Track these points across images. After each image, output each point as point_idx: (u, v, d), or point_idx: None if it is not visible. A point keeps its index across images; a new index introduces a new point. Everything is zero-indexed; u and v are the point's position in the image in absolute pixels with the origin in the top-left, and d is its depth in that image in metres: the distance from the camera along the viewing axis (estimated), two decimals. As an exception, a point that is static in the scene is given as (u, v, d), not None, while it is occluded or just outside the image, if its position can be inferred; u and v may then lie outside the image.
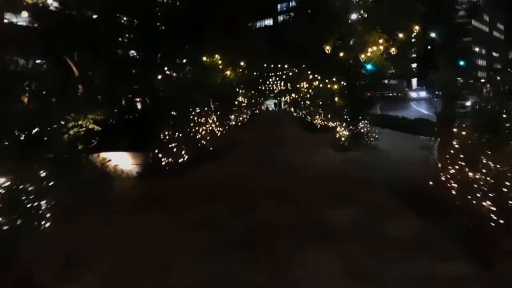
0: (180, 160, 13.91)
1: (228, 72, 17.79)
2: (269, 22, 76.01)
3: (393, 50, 12.57)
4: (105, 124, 13.11)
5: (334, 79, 17.87)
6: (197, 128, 16.47)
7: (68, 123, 12.12)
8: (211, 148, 16.59)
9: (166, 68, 13.24)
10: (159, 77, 13.23)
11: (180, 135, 14.73)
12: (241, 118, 30.76)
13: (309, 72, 23.09)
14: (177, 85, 13.79)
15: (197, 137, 16.28)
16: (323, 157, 15.45)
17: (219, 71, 15.85)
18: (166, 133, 13.95)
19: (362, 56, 12.47)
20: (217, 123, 22.12)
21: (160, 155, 13.35)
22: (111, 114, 13.72)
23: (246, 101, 33.50)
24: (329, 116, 24.96)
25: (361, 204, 9.05)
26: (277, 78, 28.35)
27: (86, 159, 12.53)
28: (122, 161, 12.82)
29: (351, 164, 13.81)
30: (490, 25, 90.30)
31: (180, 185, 11.63)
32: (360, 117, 17.50)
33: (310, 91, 26.10)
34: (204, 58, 14.64)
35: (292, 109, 41.47)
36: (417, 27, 12.33)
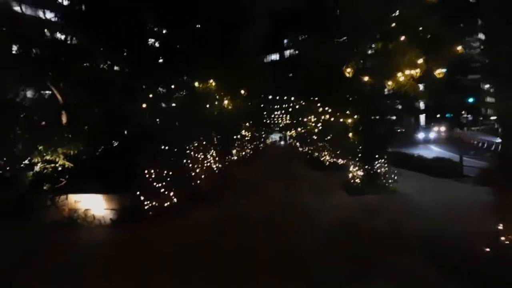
0: (166, 204, 11.60)
1: (226, 102, 15.69)
2: (275, 57, 75.18)
3: (438, 73, 10.10)
4: (79, 160, 10.98)
5: (347, 112, 15.70)
6: (191, 165, 14.24)
7: (34, 158, 10.04)
8: (206, 189, 14.27)
9: (151, 95, 11.12)
10: (144, 105, 11.13)
11: (170, 173, 12.51)
12: (243, 153, 28.55)
13: (318, 104, 20.98)
14: (164, 114, 11.60)
15: (191, 175, 14.03)
16: (336, 203, 13.06)
17: (214, 99, 13.76)
18: (152, 171, 11.73)
19: (390, 83, 10.24)
20: (217, 159, 19.96)
21: (142, 198, 11.07)
22: (88, 148, 11.63)
23: (249, 135, 31.39)
24: (338, 152, 22.71)
25: (395, 278, 6.66)
26: (283, 111, 26.30)
27: (52, 202, 10.37)
28: (96, 205, 10.56)
29: (371, 214, 11.39)
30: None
31: (159, 239, 9.26)
32: (377, 155, 15.22)
33: (319, 125, 23.94)
34: (196, 84, 12.55)
35: (298, 143, 39.30)
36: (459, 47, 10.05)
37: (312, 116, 23.99)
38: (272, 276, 7.00)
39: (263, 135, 43.09)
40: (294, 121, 29.81)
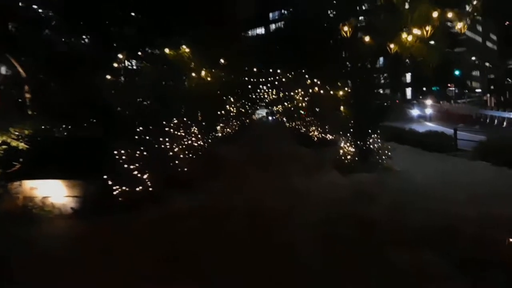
0: (139, 189, 10.22)
1: (204, 73, 14.10)
2: (261, 31, 72.79)
3: (461, 27, 8.37)
4: (37, 141, 9.51)
5: (339, 84, 14.36)
6: (168, 144, 12.83)
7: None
8: (186, 170, 12.89)
9: (116, 65, 9.57)
10: (110, 78, 9.61)
11: (144, 153, 11.11)
12: (228, 130, 27.13)
13: (306, 76, 19.53)
14: (136, 87, 10.08)
15: (169, 155, 12.63)
16: (328, 183, 11.85)
17: (189, 69, 12.19)
18: (122, 151, 10.32)
19: (392, 45, 8.82)
20: (199, 136, 18.56)
21: (110, 183, 9.69)
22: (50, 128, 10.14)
23: (235, 111, 29.91)
24: (327, 127, 21.45)
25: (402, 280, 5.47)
26: (269, 85, 24.75)
27: (3, 189, 8.95)
28: (56, 192, 9.15)
29: (367, 196, 10.19)
30: (483, 35, 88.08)
31: (127, 233, 7.89)
32: (370, 130, 13.97)
33: (306, 99, 22.57)
34: (167, 51, 10.94)
35: (285, 119, 37.92)
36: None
37: (300, 90, 22.58)
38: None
39: (249, 111, 41.61)
40: (281, 96, 28.34)
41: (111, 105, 9.29)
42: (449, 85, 67.99)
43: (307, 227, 7.84)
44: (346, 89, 14.33)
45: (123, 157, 10.36)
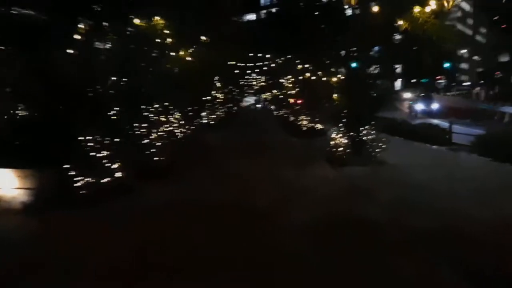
0: (107, 180, 8.99)
1: (183, 52, 12.74)
2: (251, 17, 71.04)
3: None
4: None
5: (332, 70, 13.21)
6: (145, 130, 11.59)
7: None
8: (164, 160, 11.68)
9: (77, 37, 8.22)
10: (71, 52, 8.30)
11: (115, 140, 9.86)
12: (215, 116, 25.90)
13: (297, 61, 18.32)
14: (99, 65, 8.75)
15: (145, 143, 11.40)
16: (318, 178, 10.70)
17: (164, 45, 10.83)
18: (89, 137, 9.05)
19: (401, 22, 7.67)
20: (182, 123, 17.34)
21: (72, 173, 8.43)
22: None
23: (222, 97, 28.65)
24: (317, 117, 20.37)
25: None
26: (257, 70, 23.51)
27: None
28: (4, 184, 7.87)
29: (361, 193, 9.13)
30: (474, 28, 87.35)
31: (80, 233, 6.66)
32: (364, 121, 12.89)
33: (297, 86, 21.39)
34: (137, 21, 9.56)
35: (274, 107, 36.77)
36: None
37: (290, 76, 21.38)
38: None
39: (237, 98, 40.34)
40: (270, 83, 27.14)
41: (75, 84, 8.00)
42: (438, 77, 67.27)
43: (296, 229, 6.74)
44: (340, 76, 13.18)
45: (90, 144, 9.09)
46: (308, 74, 17.42)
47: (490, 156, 12.75)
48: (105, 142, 9.50)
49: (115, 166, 9.42)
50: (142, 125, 11.57)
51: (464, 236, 6.32)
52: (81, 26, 8.15)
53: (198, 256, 5.67)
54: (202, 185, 10.07)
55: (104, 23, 8.47)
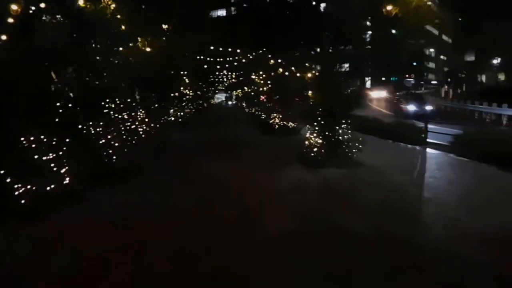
0: (52, 187, 7.77)
1: (139, 40, 11.46)
2: (222, 12, 69.46)
3: None
4: None
5: (306, 64, 12.34)
6: (101, 129, 10.37)
7: None
8: (122, 162, 10.49)
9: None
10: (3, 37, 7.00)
11: (65, 140, 8.65)
12: (183, 114, 24.67)
13: (269, 56, 17.37)
14: (38, 53, 7.47)
15: (101, 142, 10.19)
16: (292, 181, 9.79)
17: (118, 33, 9.60)
18: (31, 138, 7.81)
19: (389, 7, 6.82)
20: (146, 120, 16.10)
21: (10, 180, 7.19)
22: None
23: (191, 93, 27.44)
24: (290, 114, 19.51)
25: None
26: (227, 65, 22.42)
27: None
28: None
29: (338, 198, 8.31)
30: (440, 28, 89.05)
31: (15, 253, 5.51)
32: (340, 119, 12.09)
33: (269, 82, 20.47)
34: (81, 2, 8.32)
35: (244, 104, 35.77)
36: None
37: (261, 73, 20.43)
38: None
39: (207, 95, 39.10)
40: (241, 79, 26.13)
41: (8, 75, 6.73)
42: (407, 75, 68.03)
43: (265, 242, 5.81)
44: (314, 72, 12.33)
45: (33, 146, 7.86)
46: (280, 70, 16.50)
47: (467, 156, 12.27)
48: (51, 142, 8.29)
49: (63, 170, 8.22)
50: (98, 123, 10.38)
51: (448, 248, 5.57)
52: (14, 7, 6.89)
53: (147, 275, 4.66)
54: (162, 191, 8.96)
55: (41, 4, 7.24)
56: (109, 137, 10.45)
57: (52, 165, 8.04)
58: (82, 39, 8.35)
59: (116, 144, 10.50)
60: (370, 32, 13.26)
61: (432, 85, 74.51)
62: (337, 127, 12.15)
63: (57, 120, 8.68)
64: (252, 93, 27.39)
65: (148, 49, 11.81)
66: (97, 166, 9.51)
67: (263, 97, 24.49)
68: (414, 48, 64.06)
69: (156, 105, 19.87)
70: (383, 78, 69.26)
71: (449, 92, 47.04)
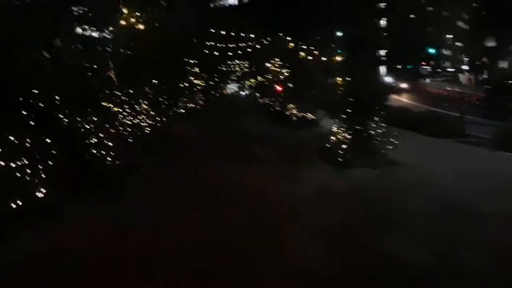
0: (22, 201, 5.96)
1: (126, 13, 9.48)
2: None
3: None
4: None
5: (333, 46, 10.34)
6: (93, 125, 8.58)
7: None
8: (119, 161, 8.67)
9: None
10: None
11: (45, 140, 6.89)
12: (193, 105, 22.79)
13: (288, 39, 15.27)
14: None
15: (91, 142, 8.38)
16: (318, 187, 7.83)
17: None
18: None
19: None
20: (151, 113, 14.28)
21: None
22: None
23: (202, 83, 25.54)
24: (307, 105, 17.50)
25: None
26: (240, 52, 20.42)
27: None
28: None
29: (383, 214, 6.36)
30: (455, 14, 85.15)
31: None
32: (374, 111, 10.10)
33: (285, 70, 18.42)
34: None
35: (258, 94, 33.71)
36: None
37: (277, 59, 18.37)
38: None
39: (219, 85, 37.16)
40: (254, 67, 24.10)
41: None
42: (423, 63, 65.04)
43: (286, 267, 3.99)
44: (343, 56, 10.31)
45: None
46: (301, 54, 14.41)
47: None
48: (25, 145, 6.51)
49: (37, 179, 6.42)
50: (87, 117, 8.58)
51: None
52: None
53: None
54: (158, 198, 7.14)
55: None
56: (101, 135, 8.63)
57: (22, 173, 6.25)
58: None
59: (110, 144, 8.68)
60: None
61: (449, 72, 71.27)
62: (369, 121, 10.16)
63: (29, 114, 6.88)
64: (267, 83, 25.36)
65: (140, 26, 9.82)
66: (85, 171, 7.70)
67: (278, 87, 22.51)
68: (431, 33, 61.14)
69: (164, 96, 18.07)
70: (399, 66, 66.52)
71: (471, 79, 44.17)
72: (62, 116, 7.84)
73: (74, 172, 7.33)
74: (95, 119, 8.69)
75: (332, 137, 10.78)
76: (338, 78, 10.39)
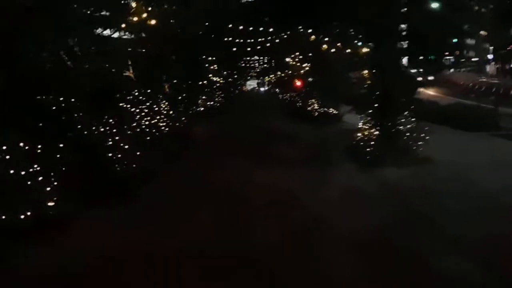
0: (25, 216, 5.56)
1: (134, 6, 8.92)
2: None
3: None
4: None
5: (359, 37, 9.67)
6: (108, 128, 8.20)
7: None
8: (135, 165, 8.23)
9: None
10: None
11: (54, 145, 6.53)
12: (212, 103, 22.36)
13: (310, 31, 14.58)
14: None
15: (106, 145, 7.98)
16: (346, 190, 7.20)
17: None
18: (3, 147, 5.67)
19: None
20: (170, 113, 13.91)
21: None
22: None
23: (220, 81, 25.13)
24: (329, 99, 16.79)
25: None
26: (259, 47, 19.80)
27: None
28: None
29: (419, 216, 5.70)
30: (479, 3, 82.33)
31: None
32: (401, 105, 9.40)
33: (305, 65, 17.75)
34: None
35: (278, 90, 33.09)
36: None
37: (297, 54, 17.70)
38: None
39: (239, 82, 36.67)
40: (274, 62, 23.47)
41: None
42: (446, 53, 62.87)
43: None
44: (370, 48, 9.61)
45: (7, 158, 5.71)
46: (324, 47, 13.70)
47: None
48: (31, 150, 6.13)
49: (48, 189, 6.03)
50: (103, 119, 8.20)
51: None
52: None
53: None
54: (171, 208, 6.62)
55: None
56: (117, 138, 8.22)
57: (31, 183, 5.86)
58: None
59: (126, 146, 8.26)
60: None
61: (472, 62, 68.88)
62: (398, 115, 9.46)
63: (43, 119, 6.53)
64: (286, 78, 24.71)
65: (152, 22, 9.30)
66: (98, 177, 7.30)
67: (298, 82, 21.83)
68: (455, 23, 59.04)
69: (184, 95, 17.68)
70: (421, 57, 64.56)
71: (498, 68, 42.35)
72: (76, 118, 7.49)
73: (87, 178, 6.94)
74: (111, 121, 8.34)
75: (358, 134, 10.13)
76: (364, 71, 9.70)
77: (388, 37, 9.28)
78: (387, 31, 9.23)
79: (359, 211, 6.10)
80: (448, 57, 65.10)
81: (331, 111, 16.95)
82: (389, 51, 9.20)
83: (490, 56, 64.62)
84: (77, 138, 7.43)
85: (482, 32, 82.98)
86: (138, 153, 8.33)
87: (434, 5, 23.17)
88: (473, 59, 75.02)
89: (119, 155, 8.02)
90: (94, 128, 7.87)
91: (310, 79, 17.99)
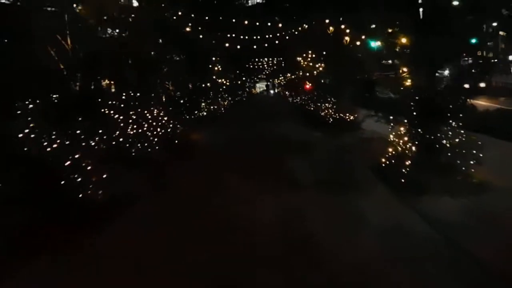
0: None
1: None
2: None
3: None
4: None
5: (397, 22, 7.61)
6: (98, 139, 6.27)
7: None
8: (101, 190, 6.26)
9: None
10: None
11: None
12: (217, 107, 20.39)
13: (327, 21, 12.43)
14: None
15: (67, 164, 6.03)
16: (386, 232, 5.09)
17: None
18: None
19: None
20: (166, 119, 12.06)
21: None
22: None
23: (227, 83, 23.17)
24: (346, 103, 14.66)
25: None
26: (266, 45, 17.74)
27: None
28: None
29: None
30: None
31: None
32: (448, 114, 7.27)
33: (319, 65, 15.64)
34: None
35: (288, 93, 31.00)
36: None
37: (310, 52, 15.62)
38: None
39: (247, 84, 34.66)
40: (283, 64, 21.45)
41: None
42: (464, 55, 60.20)
43: None
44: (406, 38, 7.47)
45: None
46: (346, 39, 11.52)
47: None
48: None
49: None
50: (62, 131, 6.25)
51: None
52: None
53: None
54: (156, 238, 4.64)
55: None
56: (78, 155, 6.23)
57: None
58: None
59: (89, 167, 6.26)
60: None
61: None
62: (443, 126, 7.34)
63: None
64: (296, 80, 22.64)
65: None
66: (44, 213, 5.32)
67: (310, 84, 19.76)
68: (470, 24, 56.51)
69: (186, 99, 15.81)
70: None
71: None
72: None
73: (23, 218, 4.97)
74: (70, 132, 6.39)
75: (389, 149, 8.01)
76: (403, 68, 7.54)
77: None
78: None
79: (410, 265, 4.01)
80: (466, 59, 62.69)
81: (347, 116, 14.80)
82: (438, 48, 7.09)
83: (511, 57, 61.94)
84: (17, 156, 5.50)
85: (500, 33, 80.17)
86: (104, 176, 6.33)
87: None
88: (492, 61, 72.32)
89: (79, 179, 6.06)
90: (45, 143, 5.94)
91: (323, 81, 15.89)
